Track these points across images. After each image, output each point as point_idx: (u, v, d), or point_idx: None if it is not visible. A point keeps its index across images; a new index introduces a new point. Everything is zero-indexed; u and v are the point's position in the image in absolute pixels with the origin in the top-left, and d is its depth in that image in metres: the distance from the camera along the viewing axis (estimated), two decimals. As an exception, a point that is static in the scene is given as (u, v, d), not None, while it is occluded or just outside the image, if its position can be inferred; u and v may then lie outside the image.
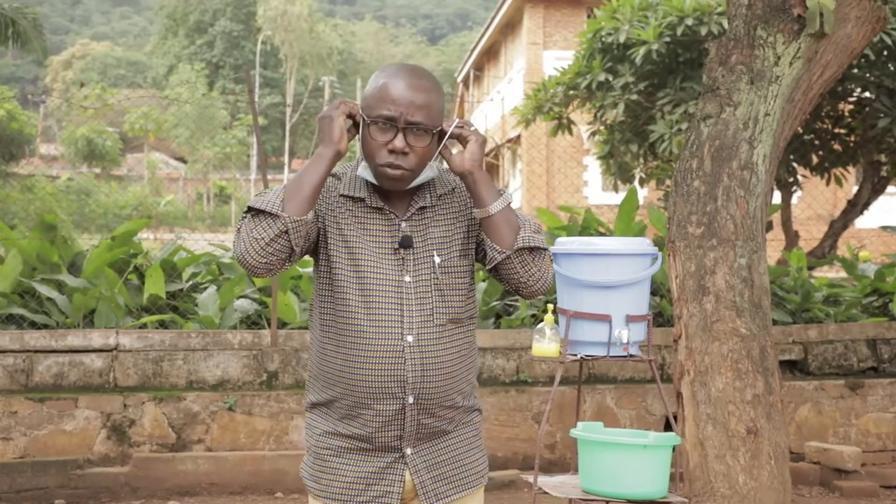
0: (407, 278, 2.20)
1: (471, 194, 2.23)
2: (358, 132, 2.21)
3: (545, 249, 2.25)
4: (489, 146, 27.58)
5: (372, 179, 2.21)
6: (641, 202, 8.11)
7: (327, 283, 2.24)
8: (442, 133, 2.22)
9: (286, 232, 2.08)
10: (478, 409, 2.39)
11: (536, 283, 2.26)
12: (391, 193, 2.24)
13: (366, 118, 2.16)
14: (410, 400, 2.19)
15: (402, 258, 2.21)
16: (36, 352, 6.30)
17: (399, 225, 2.22)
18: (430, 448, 2.26)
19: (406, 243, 2.20)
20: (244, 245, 2.10)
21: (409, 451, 2.23)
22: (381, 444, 2.22)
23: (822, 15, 4.04)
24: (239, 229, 2.13)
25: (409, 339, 2.18)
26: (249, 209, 2.12)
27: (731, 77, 4.16)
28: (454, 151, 2.24)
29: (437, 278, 2.21)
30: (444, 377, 2.22)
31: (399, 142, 2.13)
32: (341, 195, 2.24)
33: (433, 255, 2.21)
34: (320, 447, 2.27)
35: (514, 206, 2.30)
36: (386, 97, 2.14)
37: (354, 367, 2.19)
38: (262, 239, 2.08)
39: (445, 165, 2.30)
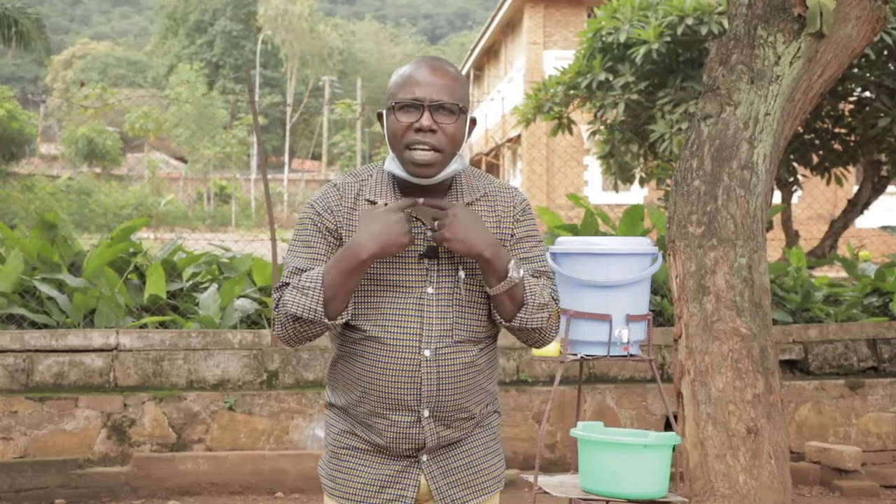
0: (430, 290, 2.13)
1: None
2: (384, 129, 2.18)
3: (548, 317, 2.21)
4: (489, 146, 27.59)
5: (400, 172, 2.12)
6: (641, 202, 8.11)
7: None
8: (471, 122, 2.21)
9: (328, 328, 2.14)
10: (496, 412, 2.35)
11: (535, 345, 2.29)
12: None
13: (392, 104, 2.13)
14: (426, 413, 2.15)
15: (427, 269, 2.14)
16: (36, 351, 6.29)
17: (425, 234, 2.14)
18: (445, 454, 2.23)
19: (431, 254, 2.13)
20: (286, 333, 2.16)
21: (424, 457, 2.21)
22: (397, 452, 2.20)
23: (822, 14, 4.04)
24: (276, 311, 2.15)
25: (427, 353, 2.12)
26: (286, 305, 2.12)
27: (732, 77, 4.16)
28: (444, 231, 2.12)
29: (460, 293, 2.15)
30: (459, 391, 2.18)
31: (426, 120, 2.09)
32: (366, 200, 2.17)
33: (458, 269, 2.15)
34: (338, 446, 2.26)
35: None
36: (410, 81, 2.13)
37: (371, 376, 2.15)
38: (305, 333, 2.15)
39: (470, 165, 2.26)
